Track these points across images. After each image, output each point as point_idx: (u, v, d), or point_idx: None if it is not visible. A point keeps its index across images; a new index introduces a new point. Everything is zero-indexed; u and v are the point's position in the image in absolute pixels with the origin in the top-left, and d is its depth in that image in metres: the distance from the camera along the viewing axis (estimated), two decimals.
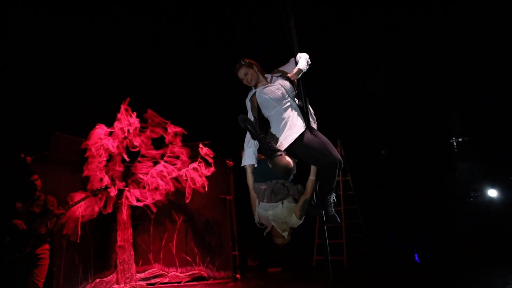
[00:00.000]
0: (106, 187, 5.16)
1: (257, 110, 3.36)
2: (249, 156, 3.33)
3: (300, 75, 3.28)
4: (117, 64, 6.31)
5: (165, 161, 6.31)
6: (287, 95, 3.29)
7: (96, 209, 5.47)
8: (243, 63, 3.39)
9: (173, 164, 6.28)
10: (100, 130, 5.44)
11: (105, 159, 5.59)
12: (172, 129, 6.30)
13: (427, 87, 8.04)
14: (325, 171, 3.18)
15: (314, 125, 3.41)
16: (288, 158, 3.10)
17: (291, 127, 3.20)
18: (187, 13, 6.56)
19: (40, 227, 4.27)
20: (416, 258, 6.93)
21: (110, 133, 5.67)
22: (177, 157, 6.34)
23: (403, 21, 7.75)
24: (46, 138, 5.03)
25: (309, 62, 3.37)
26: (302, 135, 3.16)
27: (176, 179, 6.28)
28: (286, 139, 3.17)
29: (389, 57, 8.10)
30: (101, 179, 5.54)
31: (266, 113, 3.35)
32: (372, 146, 8.76)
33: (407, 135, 8.59)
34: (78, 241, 5.05)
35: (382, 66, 8.32)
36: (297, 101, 3.35)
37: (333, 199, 3.22)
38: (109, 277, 6.02)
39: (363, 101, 8.76)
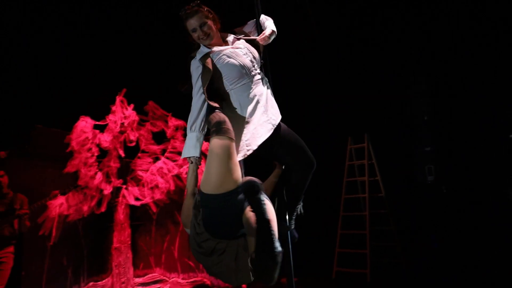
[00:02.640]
0: (75, 187, 4.74)
1: (211, 78, 2.35)
2: (192, 145, 2.31)
3: (271, 40, 2.54)
4: (114, 51, 5.88)
5: (166, 157, 5.83)
6: (256, 65, 2.46)
7: (85, 208, 5.08)
8: (199, 8, 2.39)
9: (174, 161, 5.78)
10: (83, 123, 5.03)
11: (95, 154, 5.19)
12: (173, 122, 5.80)
13: (480, 68, 6.65)
14: (299, 173, 2.42)
15: None
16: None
17: (268, 111, 2.36)
18: None
19: (2, 228, 3.92)
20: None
21: (95, 126, 5.24)
22: (179, 153, 5.84)
23: None
24: (27, 132, 4.71)
25: (275, 31, 2.61)
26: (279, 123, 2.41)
27: (177, 177, 5.77)
28: (262, 127, 2.29)
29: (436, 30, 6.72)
30: (92, 177, 5.17)
31: (228, 84, 2.40)
32: (411, 142, 7.57)
33: (456, 129, 7.29)
34: (51, 243, 4.68)
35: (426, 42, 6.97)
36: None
37: (300, 210, 2.45)
38: (104, 281, 5.63)
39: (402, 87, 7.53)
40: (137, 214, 6.08)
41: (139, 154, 5.83)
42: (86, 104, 5.54)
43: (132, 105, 5.63)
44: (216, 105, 2.32)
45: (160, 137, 5.90)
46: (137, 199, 5.66)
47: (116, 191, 5.66)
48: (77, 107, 5.42)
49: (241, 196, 2.08)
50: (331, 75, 7.02)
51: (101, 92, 5.67)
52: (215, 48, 2.43)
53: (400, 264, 6.12)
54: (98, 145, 5.27)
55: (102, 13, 5.80)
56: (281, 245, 2.39)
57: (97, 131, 5.24)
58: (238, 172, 2.12)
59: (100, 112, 5.51)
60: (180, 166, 5.70)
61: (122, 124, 5.53)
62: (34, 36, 5.20)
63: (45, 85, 5.17)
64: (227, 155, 2.09)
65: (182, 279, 5.88)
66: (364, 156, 6.48)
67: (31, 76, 5.10)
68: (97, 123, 5.22)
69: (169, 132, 5.78)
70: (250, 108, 2.34)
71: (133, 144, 5.62)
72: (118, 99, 5.53)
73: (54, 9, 5.29)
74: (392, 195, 6.45)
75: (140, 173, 5.76)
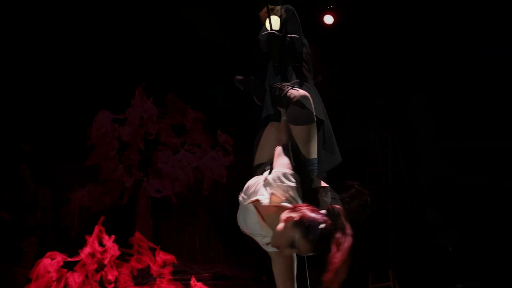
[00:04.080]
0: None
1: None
2: None
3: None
4: (132, 46, 5.94)
5: (186, 150, 5.88)
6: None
7: (107, 200, 5.23)
8: None
9: (193, 153, 5.82)
10: (102, 117, 5.14)
11: (115, 147, 5.31)
12: (191, 114, 5.83)
13: None
14: None
15: None
16: None
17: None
18: None
19: (25, 219, 4.10)
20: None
21: (115, 120, 5.35)
22: (199, 146, 5.88)
23: None
24: (52, 126, 4.87)
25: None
26: None
27: (197, 169, 5.82)
28: None
29: None
30: (113, 170, 5.30)
31: None
32: (443, 134, 7.05)
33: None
34: (73, 234, 4.83)
35: None
36: None
37: None
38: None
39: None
40: (159, 205, 6.19)
41: (160, 147, 5.91)
42: (107, 98, 5.65)
43: (151, 99, 5.70)
44: None
45: (179, 130, 5.95)
46: (158, 191, 5.76)
47: (138, 183, 5.79)
48: (98, 102, 5.54)
49: None
50: (355, 63, 6.81)
51: (121, 86, 5.76)
52: None
53: (425, 257, 5.93)
54: (118, 139, 5.38)
55: (122, 8, 5.87)
56: None
57: (116, 124, 5.34)
58: None
59: (120, 105, 5.61)
60: (199, 159, 5.74)
61: (142, 117, 5.61)
62: (56, 33, 5.34)
63: (67, 81, 5.31)
64: None
65: (203, 269, 5.96)
66: (388, 146, 6.28)
67: (53, 73, 5.26)
68: (116, 116, 5.32)
69: (188, 125, 5.82)
70: None
71: (153, 137, 5.70)
72: (137, 92, 5.61)
73: (74, 6, 5.39)
74: (418, 186, 6.22)
75: (160, 165, 5.84)
